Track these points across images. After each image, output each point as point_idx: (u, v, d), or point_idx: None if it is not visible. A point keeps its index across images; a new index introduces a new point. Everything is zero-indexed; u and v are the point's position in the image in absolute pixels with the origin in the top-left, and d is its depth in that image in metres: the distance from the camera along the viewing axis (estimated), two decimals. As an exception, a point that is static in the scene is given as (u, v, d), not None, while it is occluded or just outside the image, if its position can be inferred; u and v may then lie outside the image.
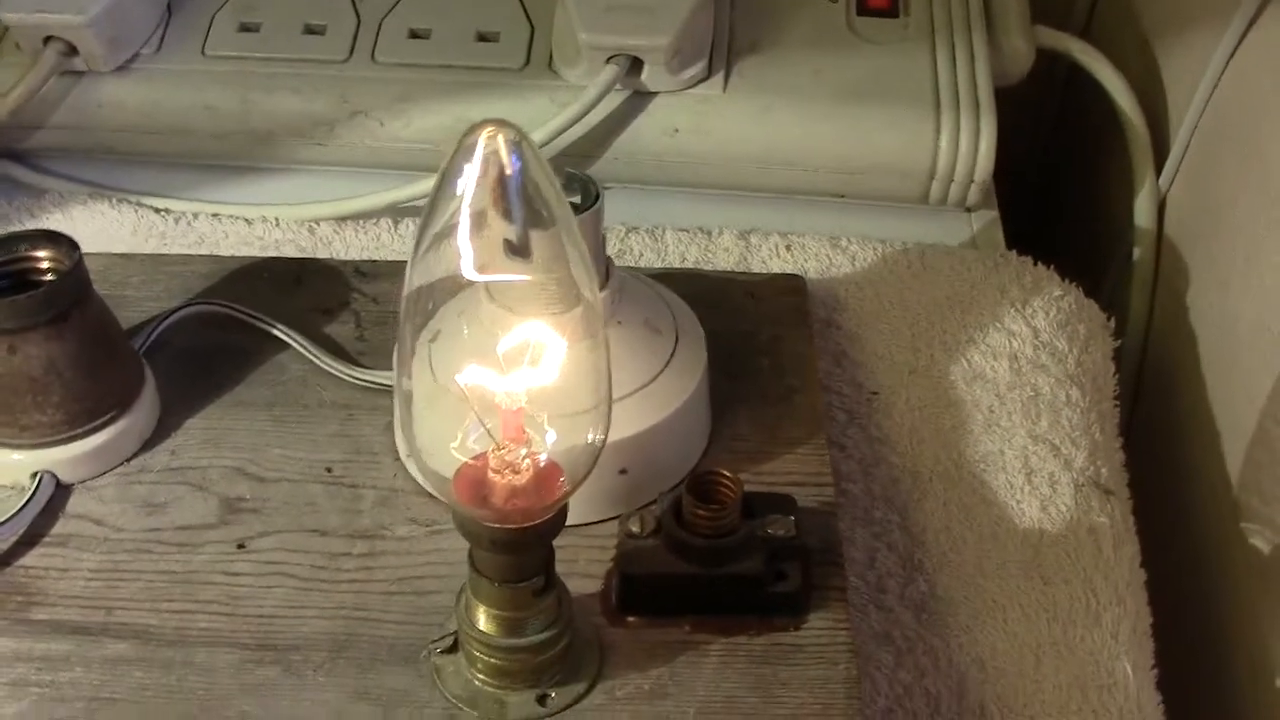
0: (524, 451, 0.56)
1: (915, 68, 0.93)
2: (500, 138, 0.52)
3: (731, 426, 0.76)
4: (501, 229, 0.58)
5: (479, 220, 0.55)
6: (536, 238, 0.58)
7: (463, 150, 0.52)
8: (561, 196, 0.56)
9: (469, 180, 0.52)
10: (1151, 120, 1.01)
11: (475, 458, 0.56)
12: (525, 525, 0.56)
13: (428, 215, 0.54)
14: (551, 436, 0.56)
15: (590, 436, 0.57)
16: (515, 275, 0.60)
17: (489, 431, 0.55)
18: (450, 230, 0.53)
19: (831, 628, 0.66)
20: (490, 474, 0.56)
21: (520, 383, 0.55)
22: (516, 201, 0.55)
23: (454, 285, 0.56)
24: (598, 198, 0.65)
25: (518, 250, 0.59)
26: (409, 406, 0.58)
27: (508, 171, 0.53)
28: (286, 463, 0.74)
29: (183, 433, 0.76)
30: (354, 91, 0.94)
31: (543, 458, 0.56)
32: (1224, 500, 0.83)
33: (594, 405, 0.57)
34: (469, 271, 0.54)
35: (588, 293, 0.57)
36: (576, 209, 0.63)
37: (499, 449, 0.56)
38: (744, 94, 0.92)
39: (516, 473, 0.56)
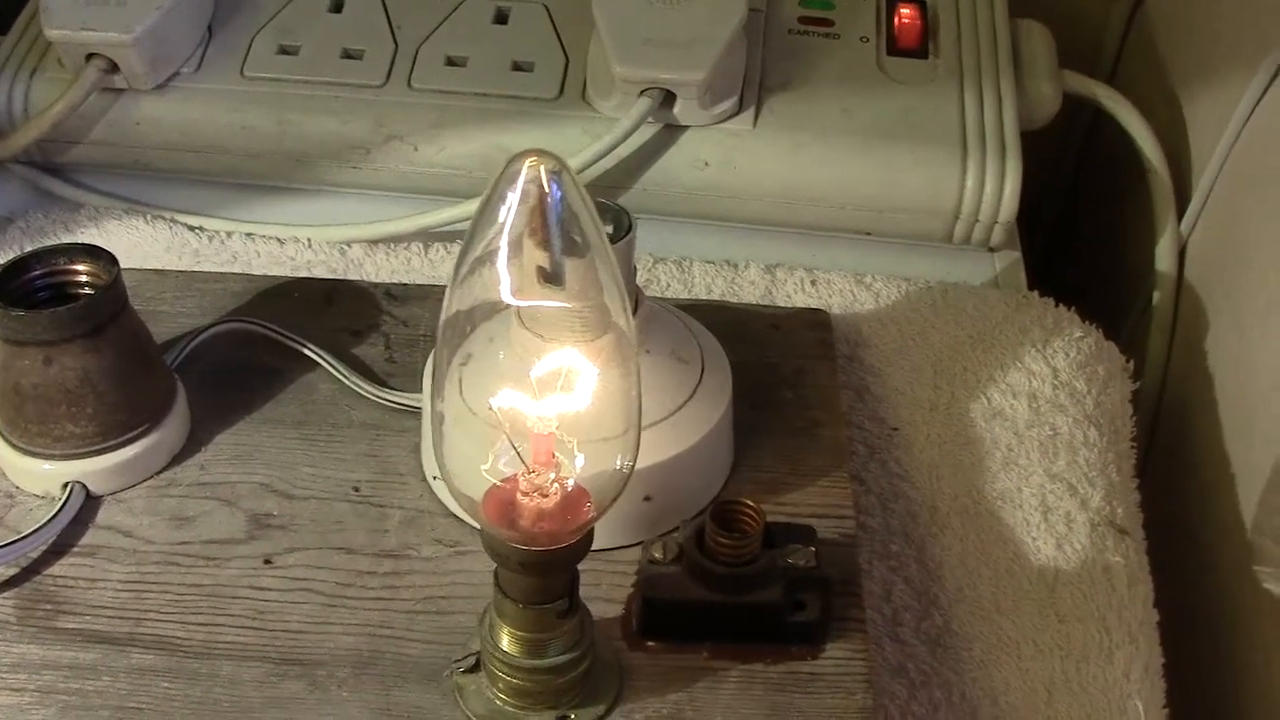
0: (553, 476, 0.56)
1: (943, 109, 0.94)
2: (543, 167, 0.53)
3: (754, 457, 0.76)
4: (539, 257, 0.59)
5: (517, 247, 0.56)
6: (572, 266, 0.59)
7: (505, 178, 0.53)
8: (600, 227, 0.56)
9: (511, 208, 0.53)
10: (1175, 166, 1.01)
11: (504, 480, 0.57)
12: (551, 548, 0.57)
13: (469, 241, 0.55)
14: (580, 461, 0.56)
15: (619, 463, 0.57)
16: (553, 302, 0.61)
17: (520, 455, 0.56)
18: (490, 256, 0.54)
19: (848, 658, 0.66)
20: (519, 496, 0.57)
21: (553, 408, 0.55)
22: (556, 230, 0.56)
23: (492, 310, 0.57)
24: (629, 229, 0.66)
25: (553, 278, 0.60)
26: (442, 428, 0.59)
27: (549, 201, 0.54)
28: (314, 481, 0.75)
29: (212, 448, 0.76)
30: (389, 116, 0.94)
31: (570, 482, 0.57)
32: (1238, 543, 0.84)
33: (623, 431, 0.57)
34: (509, 298, 0.55)
35: (622, 321, 0.58)
36: (610, 239, 0.64)
37: (529, 472, 0.56)
38: (774, 130, 0.93)
39: (545, 496, 0.56)
